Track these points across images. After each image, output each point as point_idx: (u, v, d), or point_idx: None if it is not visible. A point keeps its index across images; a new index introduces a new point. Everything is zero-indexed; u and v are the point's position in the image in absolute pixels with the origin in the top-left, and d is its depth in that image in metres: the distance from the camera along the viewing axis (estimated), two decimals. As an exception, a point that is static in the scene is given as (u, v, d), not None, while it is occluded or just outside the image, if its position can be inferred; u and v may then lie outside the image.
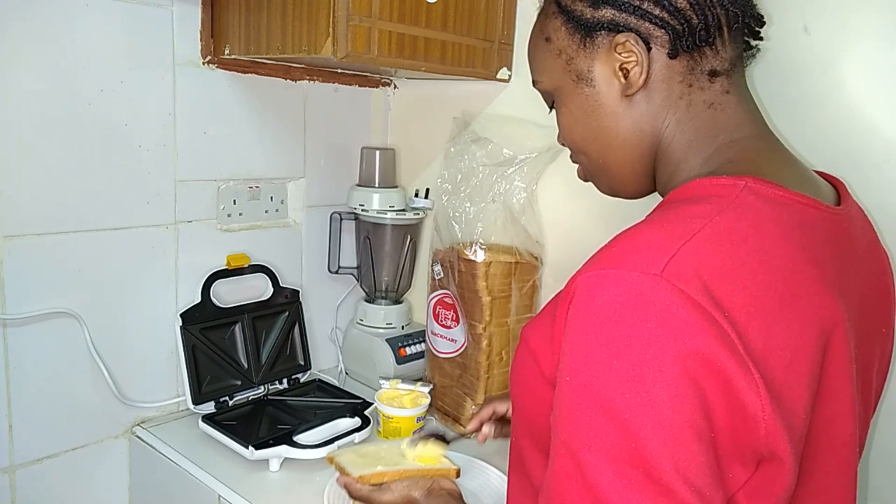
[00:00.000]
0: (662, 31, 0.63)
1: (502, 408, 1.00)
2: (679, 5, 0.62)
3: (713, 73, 0.64)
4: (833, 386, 0.57)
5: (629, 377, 0.49)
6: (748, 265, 0.53)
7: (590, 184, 0.76)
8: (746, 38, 0.67)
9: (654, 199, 0.70)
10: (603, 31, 0.64)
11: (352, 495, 0.87)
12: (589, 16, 0.65)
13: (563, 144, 0.75)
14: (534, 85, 0.74)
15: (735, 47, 0.65)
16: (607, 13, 0.64)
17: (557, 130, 0.74)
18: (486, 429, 0.99)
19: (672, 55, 0.63)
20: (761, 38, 0.68)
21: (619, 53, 0.64)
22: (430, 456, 0.89)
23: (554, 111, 0.73)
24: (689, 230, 0.53)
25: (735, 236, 0.53)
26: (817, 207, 0.60)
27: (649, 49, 0.63)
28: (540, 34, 0.70)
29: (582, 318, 0.52)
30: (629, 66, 0.64)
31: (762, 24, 0.67)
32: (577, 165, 0.76)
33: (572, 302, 0.53)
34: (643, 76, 0.64)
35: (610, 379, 0.50)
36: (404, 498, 0.83)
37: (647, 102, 0.65)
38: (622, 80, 0.65)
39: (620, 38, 0.63)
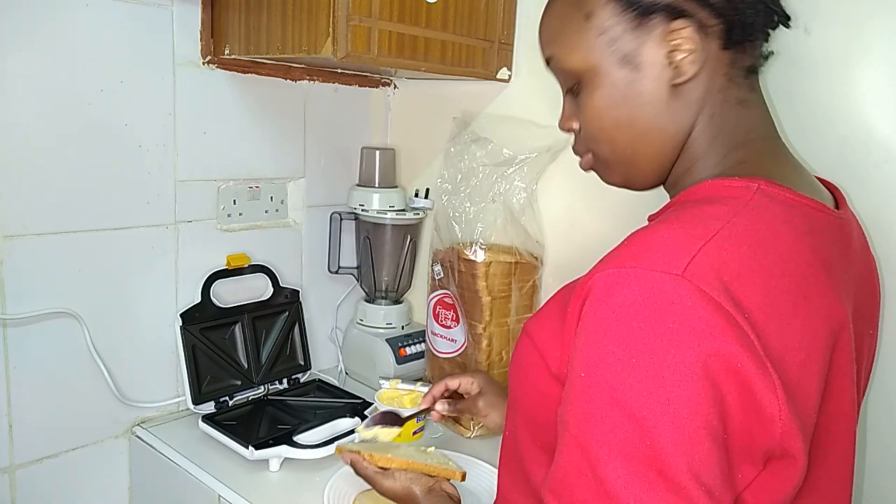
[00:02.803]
0: (719, 21, 0.61)
1: (454, 383, 1.01)
2: None
3: (750, 70, 0.64)
4: (837, 384, 0.58)
5: (649, 376, 0.49)
6: (765, 267, 0.53)
7: (590, 183, 0.74)
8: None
9: (658, 198, 0.70)
10: (660, 15, 0.61)
11: (357, 471, 0.88)
12: None
13: (567, 130, 0.71)
14: (549, 62, 0.69)
15: (761, 46, 0.66)
16: None
17: (563, 114, 0.71)
18: (439, 406, 0.99)
19: (725, 47, 0.62)
20: (768, 39, 0.68)
21: (674, 40, 0.61)
22: (382, 439, 0.90)
23: (569, 95, 0.69)
24: (708, 231, 0.53)
25: (752, 238, 0.54)
26: (823, 211, 0.61)
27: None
28: (576, 9, 0.66)
29: (600, 314, 0.52)
30: (683, 55, 0.61)
31: (788, 25, 0.67)
32: (578, 159, 0.72)
33: (588, 298, 0.53)
34: (696, 66, 0.61)
35: (628, 377, 0.49)
36: (405, 489, 0.83)
37: (690, 93, 0.63)
38: (672, 68, 0.62)
39: (678, 24, 0.61)
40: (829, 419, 0.57)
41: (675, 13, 0.61)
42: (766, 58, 0.69)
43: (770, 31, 0.67)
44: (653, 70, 0.62)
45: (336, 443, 0.96)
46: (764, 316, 0.51)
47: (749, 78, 0.65)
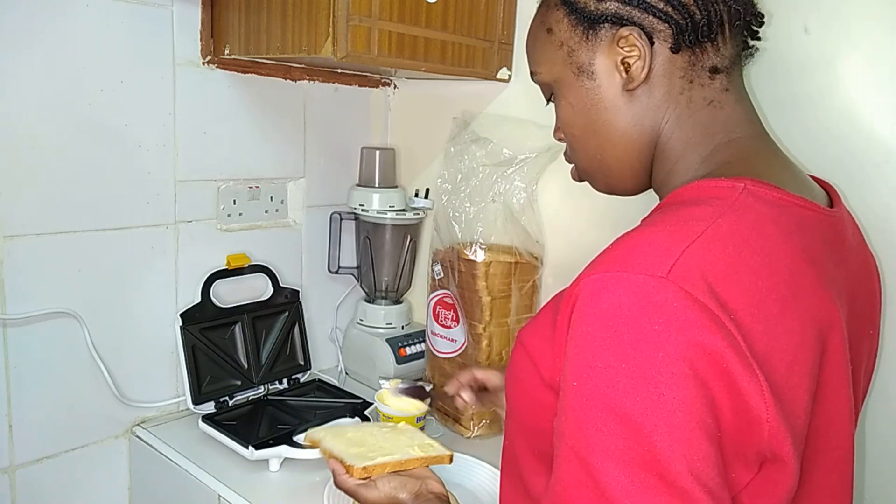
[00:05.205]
0: (666, 25, 0.62)
1: (481, 374, 0.99)
2: (683, 0, 0.62)
3: (714, 70, 0.64)
4: (830, 386, 0.57)
5: (639, 380, 0.49)
6: (751, 267, 0.53)
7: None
8: (745, 37, 0.67)
9: (653, 198, 0.70)
10: (606, 25, 0.64)
11: (337, 485, 0.84)
12: (593, 8, 0.64)
13: (559, 139, 0.75)
14: (532, 77, 0.73)
15: (735, 45, 0.65)
16: (611, 6, 0.63)
17: (554, 125, 0.73)
18: (466, 395, 0.98)
19: (674, 50, 0.63)
20: (759, 38, 0.68)
21: (622, 47, 0.64)
22: (408, 408, 0.87)
23: (552, 104, 0.73)
24: (693, 232, 0.53)
25: (737, 238, 0.53)
26: (814, 210, 0.61)
27: (652, 43, 0.63)
28: (541, 25, 0.70)
29: (588, 321, 0.52)
30: (631, 61, 0.64)
31: (762, 22, 0.67)
32: (572, 165, 0.75)
33: (576, 305, 0.53)
34: (645, 70, 0.63)
35: (619, 382, 0.49)
36: (390, 499, 0.80)
37: (647, 97, 0.65)
38: (623, 74, 0.64)
39: (624, 31, 0.63)
40: (823, 422, 0.57)
41: (621, 21, 0.63)
42: (749, 56, 0.69)
43: (755, 28, 0.67)
44: (607, 77, 0.65)
45: (306, 434, 0.93)
46: (750, 317, 0.50)
47: (716, 78, 0.65)
